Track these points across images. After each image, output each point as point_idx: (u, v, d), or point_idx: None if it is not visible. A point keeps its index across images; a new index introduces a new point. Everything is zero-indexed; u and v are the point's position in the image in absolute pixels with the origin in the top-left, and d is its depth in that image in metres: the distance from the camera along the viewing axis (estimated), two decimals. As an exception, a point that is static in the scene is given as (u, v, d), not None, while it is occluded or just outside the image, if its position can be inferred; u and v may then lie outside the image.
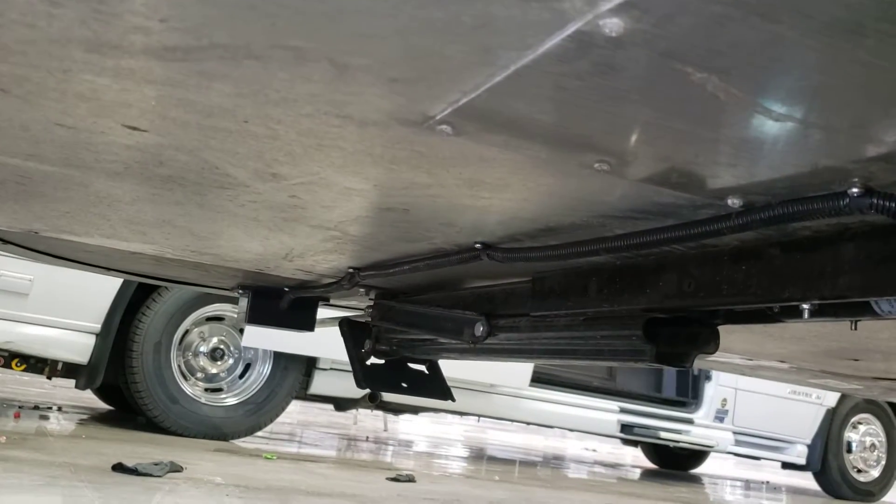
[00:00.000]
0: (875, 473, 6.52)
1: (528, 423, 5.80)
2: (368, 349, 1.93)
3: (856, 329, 1.07)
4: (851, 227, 0.98)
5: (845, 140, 0.78)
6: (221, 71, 0.74)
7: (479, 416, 5.71)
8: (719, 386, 5.92)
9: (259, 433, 4.75)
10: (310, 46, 0.67)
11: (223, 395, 4.54)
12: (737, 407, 5.97)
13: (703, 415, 5.90)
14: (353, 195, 1.09)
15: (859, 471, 6.47)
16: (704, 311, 1.26)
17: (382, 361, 1.99)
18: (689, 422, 5.85)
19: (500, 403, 5.31)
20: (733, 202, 0.94)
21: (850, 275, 0.97)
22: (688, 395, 5.99)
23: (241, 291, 2.06)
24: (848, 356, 2.13)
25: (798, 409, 6.17)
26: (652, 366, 1.28)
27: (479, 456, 6.70)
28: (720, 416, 5.93)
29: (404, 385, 1.95)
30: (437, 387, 1.98)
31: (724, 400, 5.93)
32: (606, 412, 5.56)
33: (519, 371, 5.10)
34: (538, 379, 5.26)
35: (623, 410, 5.60)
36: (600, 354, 1.34)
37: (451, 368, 4.87)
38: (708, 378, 5.90)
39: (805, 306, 1.05)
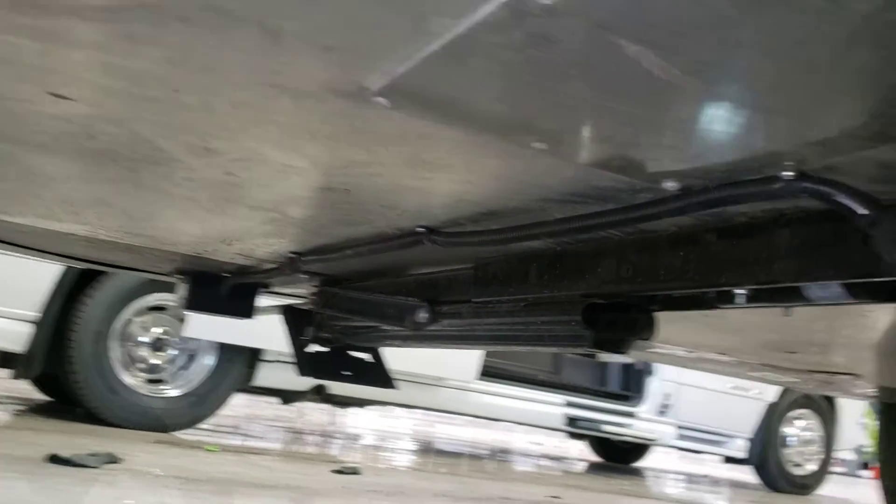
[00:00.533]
0: (811, 467, 6.70)
1: (476, 417, 5.82)
2: (310, 336, 1.90)
3: (789, 316, 1.08)
4: (786, 213, 0.99)
5: (781, 123, 0.79)
6: (149, 34, 0.71)
7: (427, 409, 5.71)
8: (663, 380, 6.01)
9: (202, 425, 4.67)
10: (239, 9, 0.65)
11: (165, 387, 4.46)
12: (680, 401, 6.07)
13: (646, 409, 5.98)
14: (291, 173, 1.06)
15: (797, 465, 6.64)
16: (642, 297, 1.26)
17: (326, 349, 1.96)
18: (633, 415, 5.93)
19: (448, 397, 5.32)
20: (671, 186, 0.94)
21: (784, 260, 0.98)
22: (631, 389, 6.07)
23: (179, 277, 2.02)
24: (785, 348, 2.17)
25: (739, 405, 6.29)
26: (591, 351, 1.28)
27: (426, 449, 6.70)
28: (663, 410, 6.02)
29: (346, 373, 1.93)
30: (379, 375, 1.96)
31: (668, 394, 6.03)
32: (553, 405, 5.61)
33: (467, 364, 5.10)
34: (486, 373, 5.28)
35: (569, 404, 5.65)
36: (541, 340, 1.34)
37: (398, 361, 4.85)
38: (651, 372, 5.99)
39: (740, 292, 1.06)
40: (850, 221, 0.88)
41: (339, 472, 3.96)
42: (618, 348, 1.27)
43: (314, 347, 1.96)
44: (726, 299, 1.10)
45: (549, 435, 8.17)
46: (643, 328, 1.29)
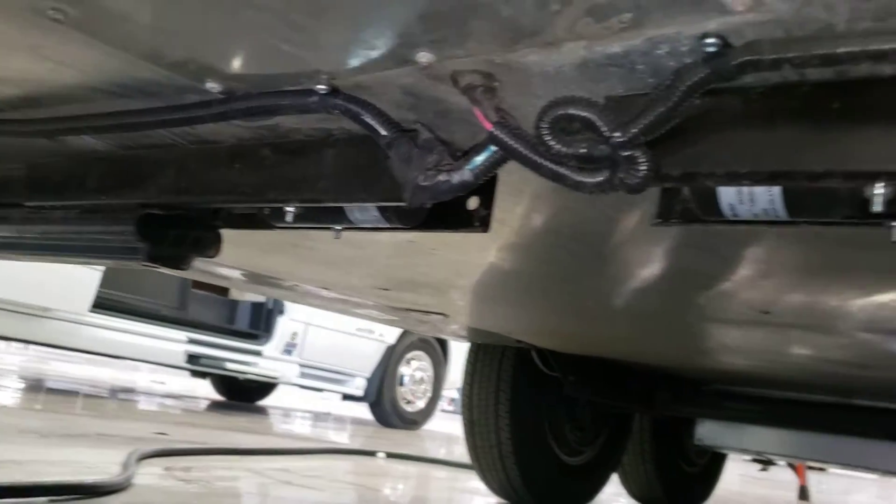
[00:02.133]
0: (421, 405, 7.31)
1: (89, 353, 5.40)
2: None
3: (339, 238, 1.11)
4: (334, 134, 1.01)
5: (315, 37, 0.78)
6: None
7: (31, 342, 5.16)
8: (291, 320, 6.10)
9: None
10: None
11: None
12: (306, 341, 6.22)
13: (272, 348, 6.03)
14: None
15: (408, 402, 7.20)
16: (206, 212, 1.22)
17: None
18: (258, 354, 5.95)
19: (57, 329, 4.85)
20: (212, 87, 0.90)
21: (328, 180, 1.00)
22: (260, 327, 6.08)
23: None
24: (378, 285, 2.29)
25: (361, 345, 6.63)
26: (147, 266, 1.21)
27: (33, 387, 6.08)
28: (289, 350, 6.12)
29: None
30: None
31: (295, 333, 6.13)
32: (173, 342, 5.40)
33: (78, 294, 4.69)
34: (102, 305, 4.90)
35: (191, 341, 5.49)
36: (94, 252, 1.24)
37: (-9, 285, 4.28)
38: (281, 312, 6.04)
39: (290, 209, 1.06)
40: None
41: None
42: (176, 264, 1.22)
43: None
44: (279, 217, 1.10)
45: (177, 374, 7.91)
46: (207, 246, 1.26)
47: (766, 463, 4.91)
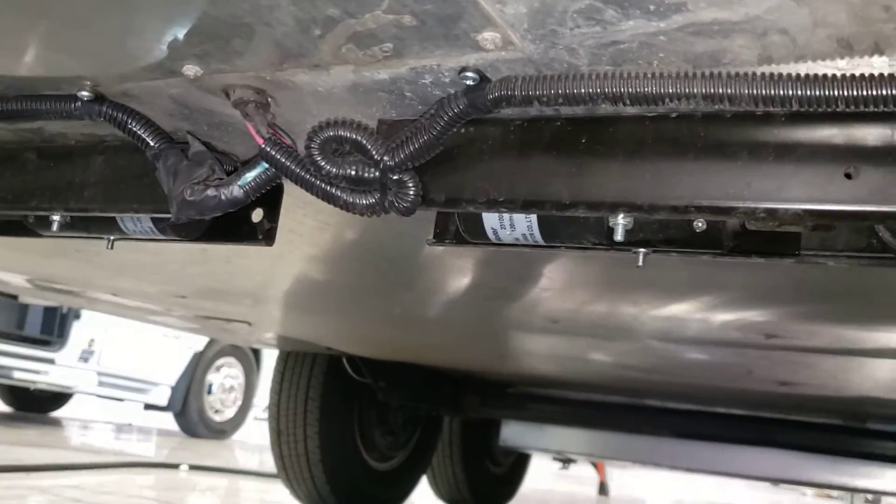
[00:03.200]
0: (231, 414, 7.05)
1: None
2: None
3: (112, 248, 1.05)
4: (106, 140, 0.96)
5: (77, 41, 0.74)
6: None
7: None
8: (88, 325, 5.69)
9: None
10: None
11: None
12: (105, 348, 5.83)
13: (66, 355, 5.60)
14: None
15: (217, 411, 6.92)
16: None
17: None
18: (51, 362, 5.51)
19: None
20: (-38, 86, 0.83)
21: (96, 188, 0.95)
22: (53, 333, 5.62)
23: None
24: (174, 293, 2.20)
25: (166, 352, 6.29)
26: None
27: None
28: (85, 357, 5.72)
29: None
30: None
31: (92, 340, 5.74)
32: (-49, 350, 4.90)
33: None
34: None
35: (-27, 348, 5.00)
36: None
37: None
38: (77, 316, 5.63)
39: (55, 218, 1.00)
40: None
41: None
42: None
43: None
44: (45, 226, 1.03)
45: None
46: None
47: (566, 461, 5.18)
